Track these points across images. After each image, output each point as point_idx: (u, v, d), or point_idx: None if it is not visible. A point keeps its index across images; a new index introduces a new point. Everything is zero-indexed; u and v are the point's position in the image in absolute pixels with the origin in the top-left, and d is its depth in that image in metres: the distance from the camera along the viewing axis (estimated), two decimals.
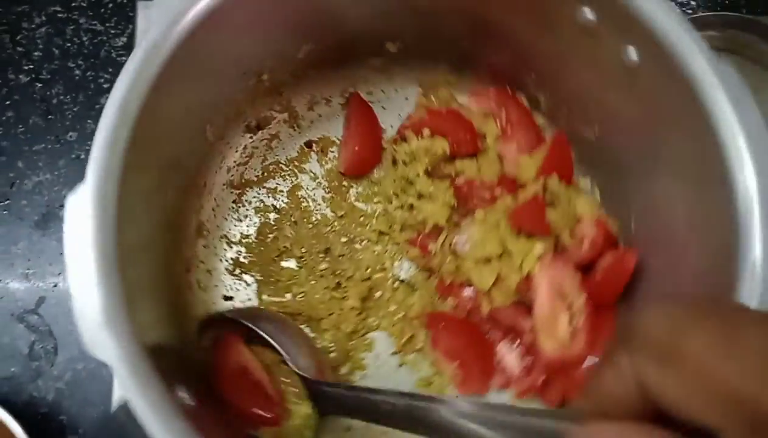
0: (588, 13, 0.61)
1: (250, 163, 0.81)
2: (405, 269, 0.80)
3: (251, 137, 0.82)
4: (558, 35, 0.66)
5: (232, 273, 0.79)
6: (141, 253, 0.59)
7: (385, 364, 0.78)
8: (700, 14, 0.88)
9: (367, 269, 0.79)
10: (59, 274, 0.86)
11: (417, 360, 0.78)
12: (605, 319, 0.73)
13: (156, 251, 0.67)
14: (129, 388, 0.49)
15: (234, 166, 0.81)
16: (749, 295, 0.52)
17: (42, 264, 0.86)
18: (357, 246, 0.80)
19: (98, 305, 0.50)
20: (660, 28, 0.56)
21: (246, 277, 0.79)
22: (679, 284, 0.64)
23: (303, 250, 0.80)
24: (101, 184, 0.52)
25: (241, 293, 0.79)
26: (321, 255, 0.80)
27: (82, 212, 0.51)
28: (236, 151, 0.81)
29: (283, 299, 0.78)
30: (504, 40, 0.72)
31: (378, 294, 0.80)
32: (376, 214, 0.81)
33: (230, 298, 0.79)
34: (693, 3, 0.96)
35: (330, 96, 0.83)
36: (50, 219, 0.87)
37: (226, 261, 0.79)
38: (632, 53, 0.60)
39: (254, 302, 0.78)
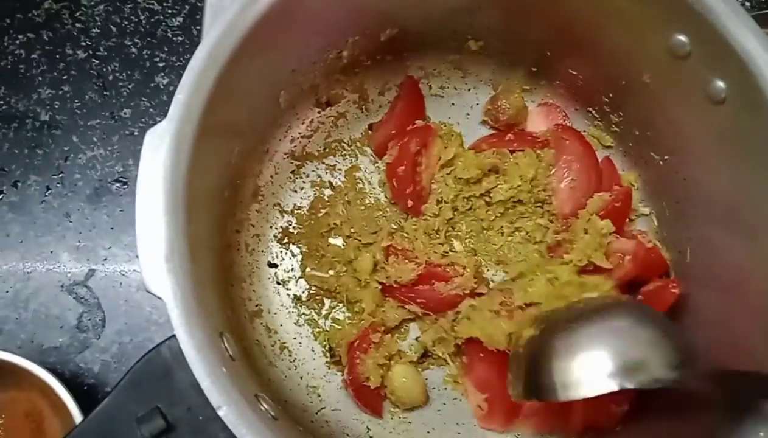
0: (682, 41, 0.60)
1: (314, 137, 0.81)
2: None
3: (319, 112, 0.82)
4: (646, 58, 0.66)
5: (280, 241, 0.80)
6: (204, 201, 0.60)
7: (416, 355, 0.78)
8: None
9: None
10: (109, 247, 0.86)
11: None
12: None
13: (215, 205, 0.67)
14: (180, 326, 0.50)
15: (298, 138, 0.81)
16: None
17: (93, 237, 0.86)
18: None
19: (162, 239, 0.51)
20: (753, 61, 0.56)
21: (293, 247, 0.80)
22: (730, 322, 0.64)
23: (352, 230, 0.79)
24: (182, 123, 0.53)
25: (286, 262, 0.79)
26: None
27: (158, 147, 0.53)
28: (303, 123, 0.81)
29: (325, 275, 0.78)
30: (588, 53, 0.73)
31: None
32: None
33: (275, 266, 0.79)
34: (747, 3, 0.96)
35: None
36: (102, 193, 0.88)
37: (276, 229, 0.80)
38: (720, 87, 0.59)
39: (297, 273, 0.79)
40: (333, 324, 0.78)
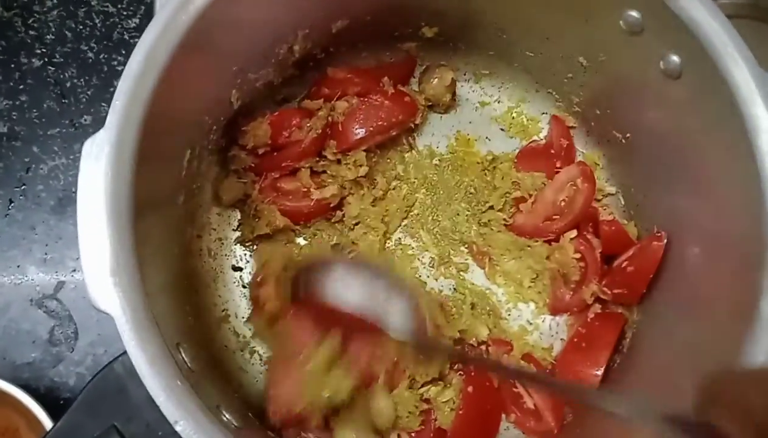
0: (634, 16, 0.60)
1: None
2: None
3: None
4: (600, 37, 0.66)
5: (243, 243, 0.78)
6: (154, 209, 0.59)
7: None
8: None
9: None
10: (77, 258, 0.84)
11: None
12: (610, 325, 0.74)
13: (169, 211, 0.66)
14: (130, 341, 0.49)
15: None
16: None
17: (60, 249, 0.85)
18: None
19: (107, 253, 0.49)
20: (705, 33, 0.55)
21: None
22: (700, 293, 0.64)
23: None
24: (121, 131, 0.52)
25: (251, 264, 0.78)
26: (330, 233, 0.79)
27: (98, 157, 0.51)
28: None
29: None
30: (543, 35, 0.72)
31: None
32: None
33: (239, 269, 0.78)
34: None
35: None
36: (67, 203, 0.86)
37: (238, 231, 0.78)
38: (675, 61, 0.59)
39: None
40: None
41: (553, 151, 0.79)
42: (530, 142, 0.81)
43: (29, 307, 0.83)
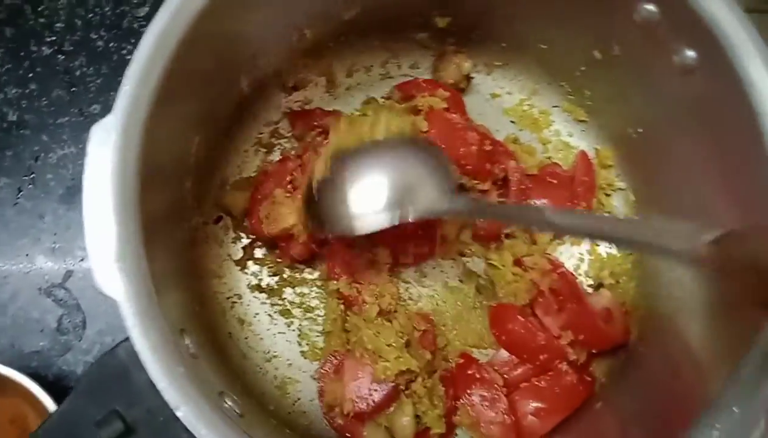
0: (650, 10, 0.59)
1: (282, 123, 0.79)
2: None
3: (285, 97, 0.79)
4: (615, 30, 0.65)
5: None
6: (161, 195, 0.58)
7: None
8: None
9: None
10: (86, 247, 0.84)
11: None
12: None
13: (176, 198, 0.66)
14: (134, 327, 0.48)
15: (265, 124, 0.79)
16: None
17: (68, 238, 0.85)
18: None
19: (112, 238, 0.49)
20: (722, 28, 0.54)
21: None
22: None
23: None
24: (129, 117, 0.51)
25: (257, 251, 0.77)
26: None
27: (105, 142, 0.50)
28: (269, 110, 0.79)
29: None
30: (557, 27, 0.71)
31: None
32: None
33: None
34: None
35: (371, 65, 0.81)
36: (76, 192, 0.86)
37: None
38: (690, 56, 0.57)
39: (269, 263, 0.77)
40: (306, 312, 0.76)
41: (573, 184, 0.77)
42: (550, 166, 0.79)
43: (38, 296, 0.83)
